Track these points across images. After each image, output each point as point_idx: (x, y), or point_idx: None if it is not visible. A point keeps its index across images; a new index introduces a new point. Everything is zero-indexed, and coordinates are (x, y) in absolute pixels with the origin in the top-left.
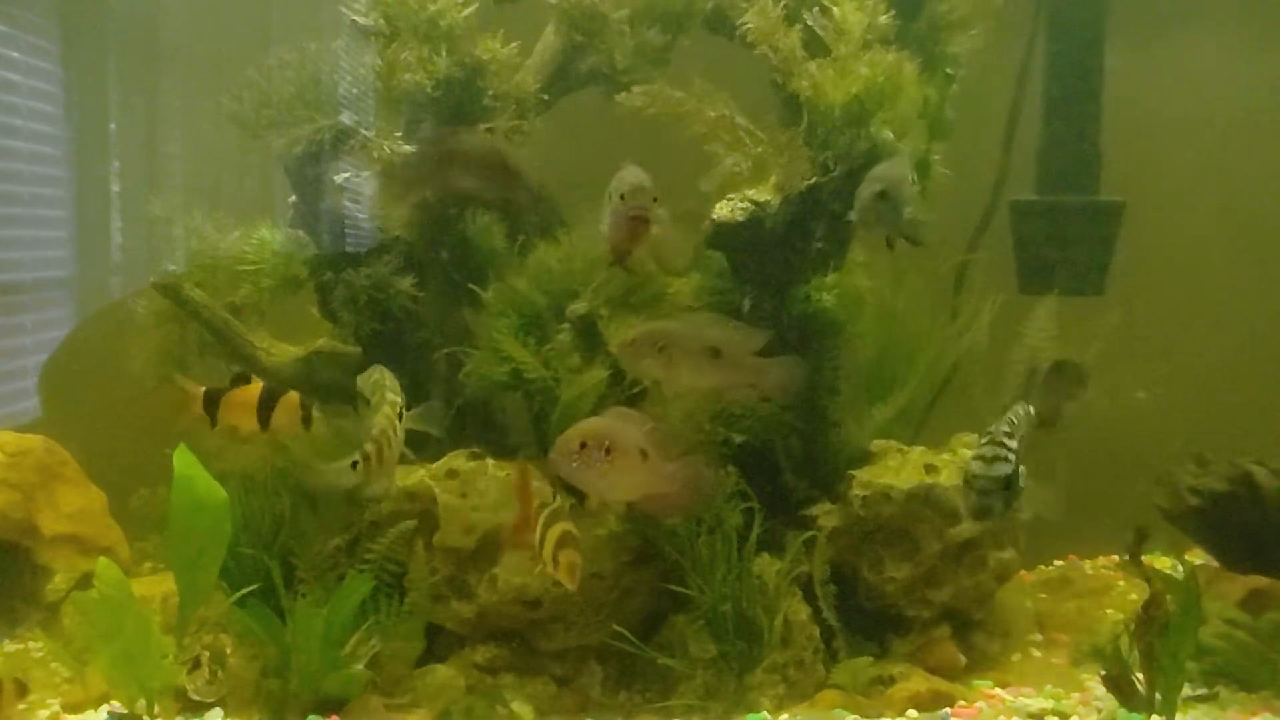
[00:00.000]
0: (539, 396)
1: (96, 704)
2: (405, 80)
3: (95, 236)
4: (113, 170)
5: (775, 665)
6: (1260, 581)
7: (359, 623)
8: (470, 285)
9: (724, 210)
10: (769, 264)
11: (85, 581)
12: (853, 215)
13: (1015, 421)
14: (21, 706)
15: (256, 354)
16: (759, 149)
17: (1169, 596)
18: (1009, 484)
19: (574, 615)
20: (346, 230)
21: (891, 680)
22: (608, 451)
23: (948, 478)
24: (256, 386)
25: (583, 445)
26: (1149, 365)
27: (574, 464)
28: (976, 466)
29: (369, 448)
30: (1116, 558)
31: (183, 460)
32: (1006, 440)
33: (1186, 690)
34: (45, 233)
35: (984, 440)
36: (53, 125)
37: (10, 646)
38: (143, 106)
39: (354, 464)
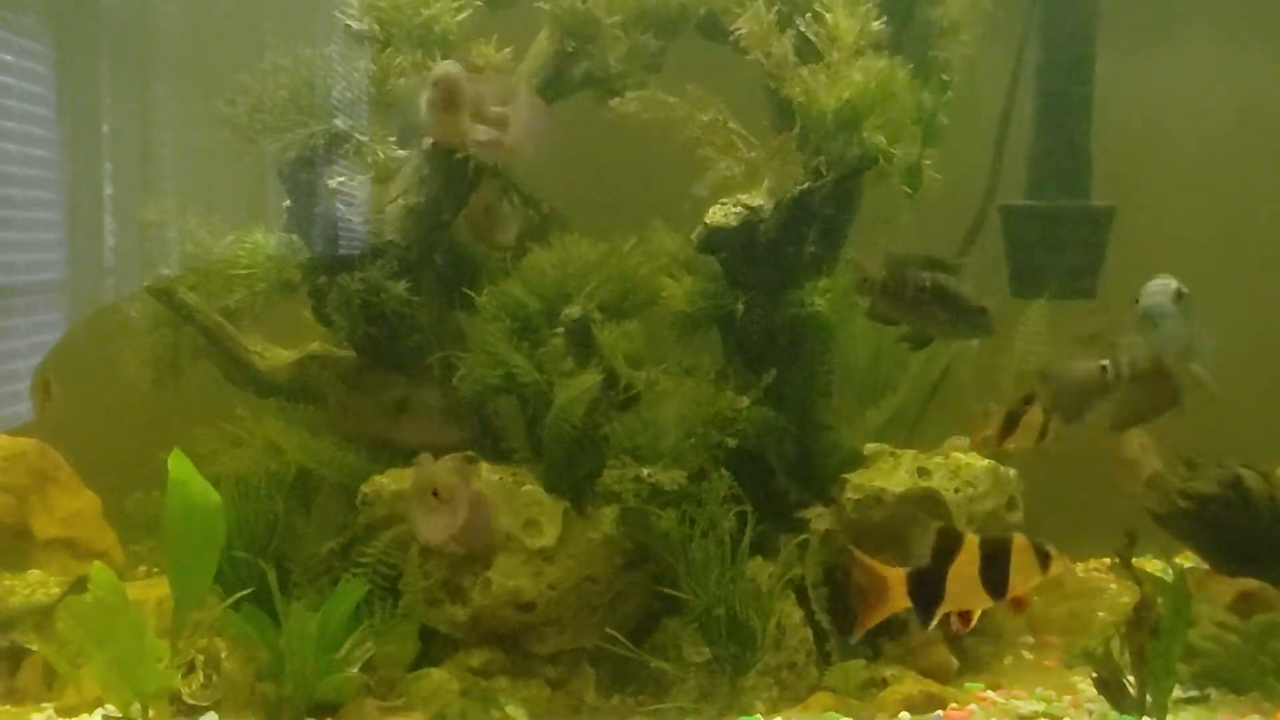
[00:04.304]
0: (533, 400)
1: (91, 708)
2: (399, 85)
3: (88, 240)
4: (106, 174)
5: (768, 668)
6: (1249, 584)
7: (353, 626)
8: (464, 289)
9: (717, 215)
10: (762, 268)
11: (79, 585)
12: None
13: None
14: None
15: (250, 358)
16: (752, 154)
17: (1159, 599)
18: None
19: (567, 618)
20: (340, 234)
21: (884, 683)
22: None
23: (940, 481)
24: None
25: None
26: None
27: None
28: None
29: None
30: (1107, 561)
31: (177, 464)
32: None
33: (1177, 692)
34: (38, 236)
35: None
36: (46, 128)
37: None
38: (136, 110)
39: None
